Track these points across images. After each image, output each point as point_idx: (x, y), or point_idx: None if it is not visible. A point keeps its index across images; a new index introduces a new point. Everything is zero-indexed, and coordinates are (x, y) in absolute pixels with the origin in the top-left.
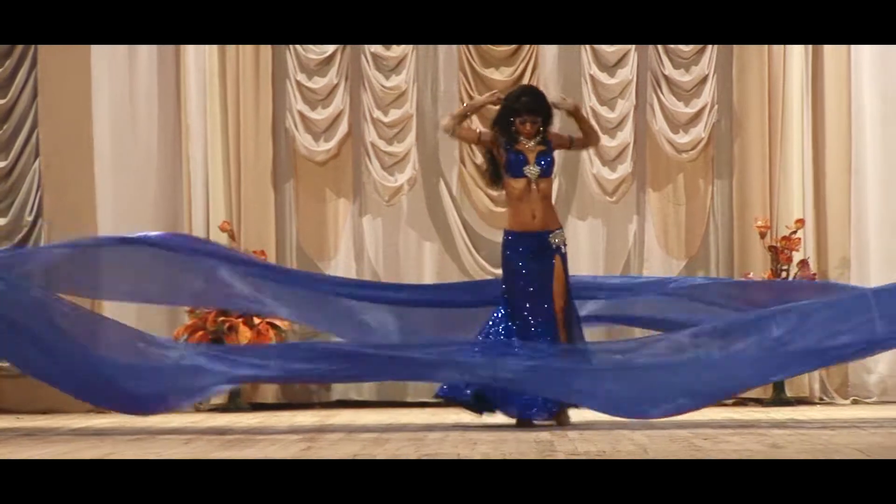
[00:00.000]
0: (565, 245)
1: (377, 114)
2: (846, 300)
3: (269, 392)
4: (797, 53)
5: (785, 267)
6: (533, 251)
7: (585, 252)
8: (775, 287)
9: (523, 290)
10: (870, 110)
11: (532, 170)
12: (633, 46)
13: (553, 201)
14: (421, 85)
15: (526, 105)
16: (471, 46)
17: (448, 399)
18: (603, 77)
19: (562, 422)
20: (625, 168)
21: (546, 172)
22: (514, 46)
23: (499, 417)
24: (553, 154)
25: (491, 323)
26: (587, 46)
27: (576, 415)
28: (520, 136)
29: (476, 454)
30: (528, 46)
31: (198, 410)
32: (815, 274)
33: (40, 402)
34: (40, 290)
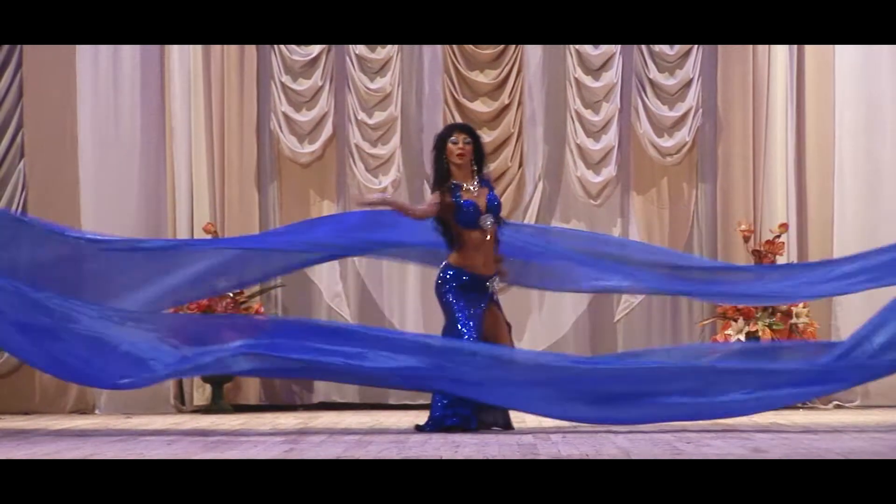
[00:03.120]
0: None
1: (362, 116)
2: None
3: (251, 394)
4: (781, 57)
5: None
6: (470, 289)
7: None
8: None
9: (465, 320)
10: (853, 113)
11: (487, 220)
12: (618, 49)
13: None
14: (406, 87)
15: (454, 125)
16: (455, 49)
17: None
18: (587, 80)
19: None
20: (609, 171)
21: (498, 219)
22: (498, 49)
23: None
24: (495, 192)
25: None
26: (572, 49)
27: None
28: (453, 168)
29: (459, 456)
30: (512, 49)
31: (180, 412)
32: None
33: (22, 402)
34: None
